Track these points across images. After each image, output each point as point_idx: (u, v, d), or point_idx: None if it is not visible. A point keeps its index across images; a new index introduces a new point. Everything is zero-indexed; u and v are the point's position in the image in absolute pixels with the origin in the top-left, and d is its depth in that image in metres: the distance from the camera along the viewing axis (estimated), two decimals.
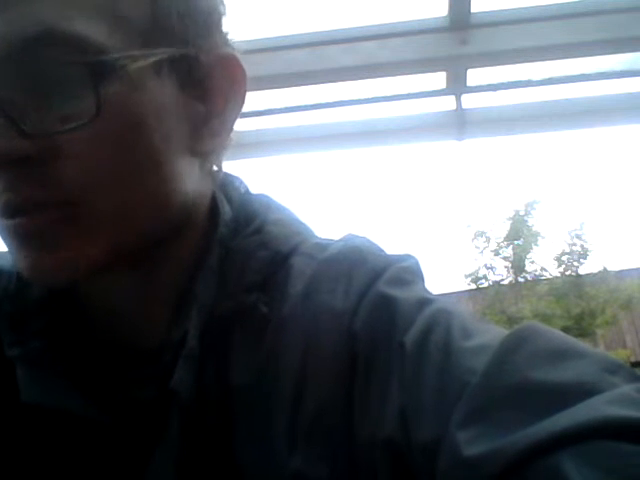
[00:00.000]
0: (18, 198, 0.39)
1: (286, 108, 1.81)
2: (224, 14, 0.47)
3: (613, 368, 0.35)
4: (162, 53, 0.41)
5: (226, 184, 0.54)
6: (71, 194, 0.39)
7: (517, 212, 12.88)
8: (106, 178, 0.40)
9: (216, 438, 0.43)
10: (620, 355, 9.83)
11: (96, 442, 0.44)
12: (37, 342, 0.45)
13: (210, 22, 0.45)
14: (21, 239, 0.40)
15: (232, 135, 0.49)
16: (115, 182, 0.40)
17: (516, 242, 12.66)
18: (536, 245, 12.73)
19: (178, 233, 0.46)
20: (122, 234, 0.41)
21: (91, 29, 0.38)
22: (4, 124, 0.37)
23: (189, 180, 0.45)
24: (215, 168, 0.51)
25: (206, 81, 0.45)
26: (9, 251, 0.42)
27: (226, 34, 0.48)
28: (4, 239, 0.42)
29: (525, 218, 12.81)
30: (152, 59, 0.41)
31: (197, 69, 0.44)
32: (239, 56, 0.47)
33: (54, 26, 0.38)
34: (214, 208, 0.50)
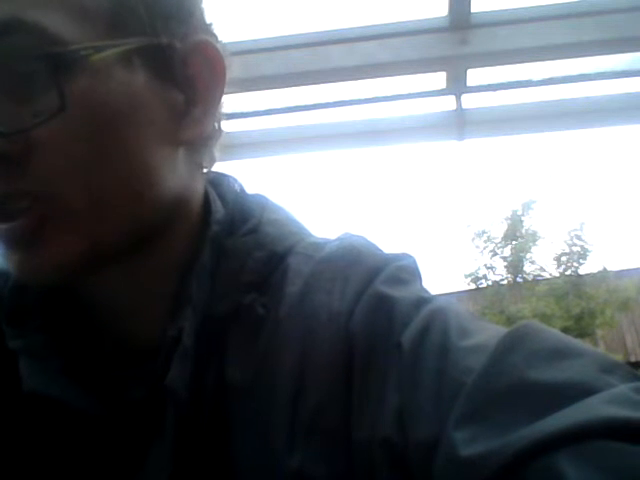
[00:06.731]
0: None
1: (286, 108, 1.80)
2: (199, 0, 0.47)
3: (610, 367, 0.35)
4: (129, 43, 0.41)
5: (220, 183, 0.54)
6: (46, 187, 0.39)
7: (514, 212, 12.87)
8: (79, 170, 0.40)
9: (212, 436, 0.43)
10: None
11: (95, 437, 0.44)
12: (38, 336, 0.45)
13: (182, 9, 0.45)
14: (6, 243, 0.41)
15: (217, 125, 0.48)
16: (88, 173, 0.40)
17: (514, 242, 12.65)
18: (535, 245, 12.72)
19: (167, 228, 0.46)
20: (102, 226, 0.41)
21: (53, 20, 0.38)
22: None
23: (171, 170, 0.45)
24: (206, 164, 0.50)
25: (183, 69, 0.45)
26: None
27: (203, 20, 0.47)
28: None
29: (522, 218, 12.80)
30: (118, 49, 0.41)
31: (172, 57, 0.44)
32: (217, 41, 0.47)
33: (16, 14, 0.38)
34: (207, 205, 0.50)
